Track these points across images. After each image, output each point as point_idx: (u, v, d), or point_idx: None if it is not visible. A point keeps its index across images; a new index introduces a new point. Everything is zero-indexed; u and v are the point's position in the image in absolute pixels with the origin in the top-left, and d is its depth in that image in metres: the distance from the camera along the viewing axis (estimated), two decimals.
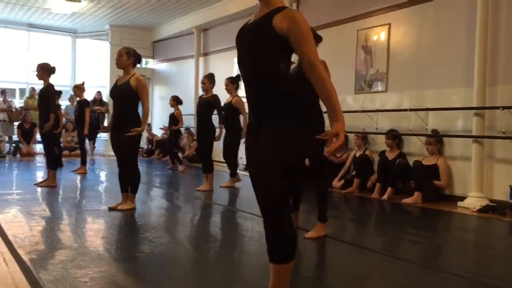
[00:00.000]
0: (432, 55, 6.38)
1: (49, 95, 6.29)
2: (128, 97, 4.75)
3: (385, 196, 6.08)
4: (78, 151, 9.36)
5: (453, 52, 6.13)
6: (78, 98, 8.50)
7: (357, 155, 6.96)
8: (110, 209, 4.80)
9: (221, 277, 2.91)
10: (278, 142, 2.06)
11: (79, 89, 8.45)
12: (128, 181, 4.88)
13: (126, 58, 4.82)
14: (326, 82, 2.08)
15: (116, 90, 4.85)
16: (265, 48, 2.08)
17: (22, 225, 4.05)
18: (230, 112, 6.51)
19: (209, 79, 6.52)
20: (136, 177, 4.90)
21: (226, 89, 6.59)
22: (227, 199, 5.97)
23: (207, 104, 6.43)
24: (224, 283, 2.78)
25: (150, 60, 13.89)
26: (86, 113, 8.26)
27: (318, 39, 3.94)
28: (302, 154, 2.30)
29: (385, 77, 6.99)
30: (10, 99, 11.86)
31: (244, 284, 2.76)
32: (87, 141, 9.69)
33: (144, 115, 4.84)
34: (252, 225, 4.36)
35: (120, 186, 4.90)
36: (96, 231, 4.10)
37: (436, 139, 6.07)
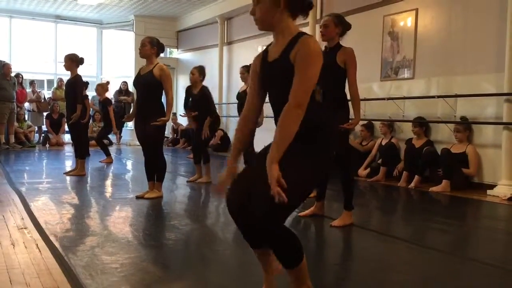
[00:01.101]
0: (461, 40, 6.23)
1: (76, 85, 6.39)
2: (152, 86, 4.75)
3: (412, 185, 6.00)
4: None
5: (483, 37, 5.98)
6: (100, 98, 8.58)
7: (383, 143, 6.88)
8: (138, 197, 4.87)
9: (245, 264, 2.92)
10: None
11: (102, 88, 8.56)
12: (154, 169, 4.92)
13: (150, 48, 4.80)
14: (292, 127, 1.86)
15: (140, 80, 4.86)
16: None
17: (53, 212, 4.15)
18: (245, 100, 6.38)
19: (199, 70, 6.24)
20: (162, 166, 4.94)
21: (242, 77, 6.48)
22: None
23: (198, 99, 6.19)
24: (248, 270, 2.79)
25: (174, 50, 13.95)
26: (110, 112, 8.39)
27: (347, 26, 3.90)
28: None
29: (412, 64, 6.87)
30: (38, 90, 12.10)
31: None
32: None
33: (168, 105, 4.84)
34: None
35: (146, 174, 4.96)
36: (124, 219, 4.17)
37: (465, 127, 5.94)
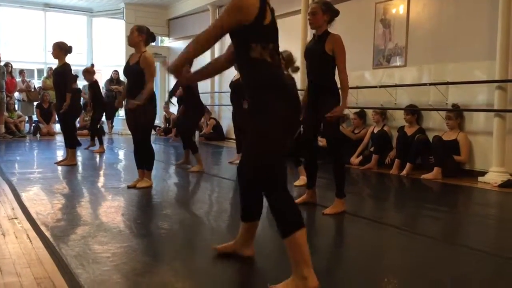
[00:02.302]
0: (453, 27, 6.22)
1: (65, 74, 6.31)
2: (139, 76, 4.71)
3: (404, 172, 6.02)
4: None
5: (475, 25, 5.97)
6: (89, 82, 8.52)
7: (375, 131, 6.89)
8: (129, 187, 4.84)
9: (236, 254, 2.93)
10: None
11: (88, 73, 8.46)
12: (143, 158, 4.91)
13: (137, 35, 4.75)
14: None
15: (129, 69, 4.84)
16: None
17: (44, 202, 4.12)
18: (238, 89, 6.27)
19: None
20: (150, 154, 4.90)
21: (235, 66, 6.20)
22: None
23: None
24: (244, 259, 2.80)
25: (166, 38, 13.84)
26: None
27: (335, 13, 3.86)
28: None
29: (404, 51, 6.86)
30: (28, 79, 11.97)
31: (264, 259, 2.77)
32: (104, 120, 9.80)
33: (145, 90, 4.69)
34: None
35: (136, 163, 4.94)
36: (116, 208, 4.15)
37: (456, 114, 5.96)
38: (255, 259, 2.66)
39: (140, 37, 4.77)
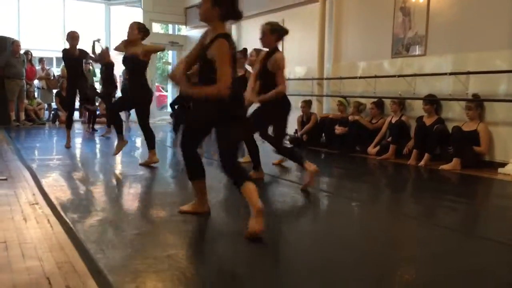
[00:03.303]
0: (474, 16, 6.10)
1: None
2: (142, 66, 5.34)
3: (422, 163, 5.96)
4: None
5: (496, 13, 5.85)
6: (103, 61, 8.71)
7: (393, 121, 6.82)
8: (141, 164, 5.42)
9: (261, 241, 2.95)
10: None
11: (103, 54, 8.66)
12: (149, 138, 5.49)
13: (137, 32, 5.28)
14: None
15: (130, 60, 5.33)
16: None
17: (64, 188, 4.18)
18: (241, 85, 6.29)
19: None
20: (151, 135, 5.50)
21: (250, 60, 5.96)
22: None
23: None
24: (266, 247, 2.82)
25: (183, 27, 13.83)
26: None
27: (282, 33, 4.44)
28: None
29: (424, 40, 6.75)
30: (48, 67, 12.10)
31: (285, 247, 2.78)
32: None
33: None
34: (283, 190, 4.38)
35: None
36: (134, 195, 4.20)
37: (476, 104, 5.87)
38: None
39: (139, 34, 5.31)
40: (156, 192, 4.25)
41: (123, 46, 5.46)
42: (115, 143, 5.80)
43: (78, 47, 6.97)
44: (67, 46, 6.98)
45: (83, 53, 7.09)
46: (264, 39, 4.44)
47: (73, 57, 6.90)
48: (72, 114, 7.34)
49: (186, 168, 3.23)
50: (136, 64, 5.32)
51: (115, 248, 2.60)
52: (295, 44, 9.56)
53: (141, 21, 6.22)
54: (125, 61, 5.45)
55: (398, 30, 7.15)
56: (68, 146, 6.91)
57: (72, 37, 6.91)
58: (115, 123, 5.70)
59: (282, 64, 4.37)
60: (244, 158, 5.52)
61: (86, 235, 2.78)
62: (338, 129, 7.49)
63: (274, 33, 4.40)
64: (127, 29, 5.40)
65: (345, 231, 3.19)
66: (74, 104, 7.57)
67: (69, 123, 7.10)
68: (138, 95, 5.39)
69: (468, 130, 5.81)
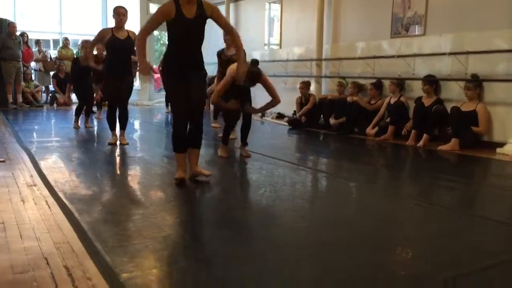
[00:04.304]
0: None
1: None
2: (132, 50, 5.47)
3: (420, 143, 5.96)
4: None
5: None
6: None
7: (392, 101, 6.80)
8: (110, 144, 5.57)
9: (257, 222, 2.95)
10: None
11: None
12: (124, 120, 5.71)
13: (127, 18, 5.56)
14: None
15: (121, 44, 5.46)
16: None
17: (62, 170, 4.18)
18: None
19: None
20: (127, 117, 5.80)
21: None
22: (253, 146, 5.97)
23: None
24: (262, 227, 2.82)
25: None
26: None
27: None
28: None
29: (423, 20, 6.69)
30: (44, 49, 12.00)
31: (281, 228, 2.79)
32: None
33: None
34: (284, 172, 4.38)
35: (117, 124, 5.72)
36: (132, 176, 4.20)
37: (475, 84, 5.84)
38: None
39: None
40: (155, 174, 4.25)
41: (109, 32, 5.52)
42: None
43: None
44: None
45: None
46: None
47: (84, 67, 7.22)
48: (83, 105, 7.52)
49: (182, 144, 3.69)
50: (129, 47, 5.48)
51: (113, 229, 2.61)
52: (293, 25, 9.49)
53: (138, 2, 6.29)
54: (114, 45, 5.47)
55: (397, 9, 7.08)
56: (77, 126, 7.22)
57: (85, 46, 7.37)
58: (113, 122, 5.83)
59: None
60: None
61: (83, 216, 2.78)
62: (333, 121, 7.48)
63: None
64: (114, 15, 5.53)
65: (342, 212, 3.20)
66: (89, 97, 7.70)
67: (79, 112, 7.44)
68: (131, 78, 5.76)
69: (467, 110, 5.79)
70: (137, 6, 12.66)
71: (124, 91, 5.62)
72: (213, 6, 3.60)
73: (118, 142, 5.65)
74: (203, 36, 3.60)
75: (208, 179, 3.80)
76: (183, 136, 3.68)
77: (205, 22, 3.55)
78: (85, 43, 7.50)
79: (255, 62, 4.71)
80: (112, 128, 5.72)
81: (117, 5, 5.67)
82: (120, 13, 5.46)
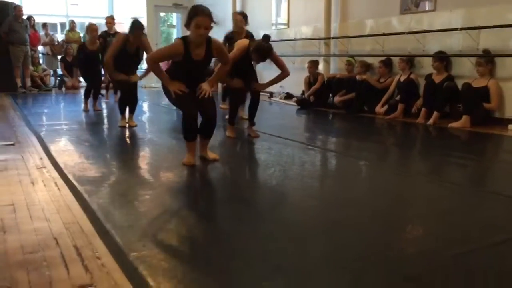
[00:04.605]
0: None
1: None
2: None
3: (431, 121, 5.89)
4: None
5: None
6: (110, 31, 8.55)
7: (402, 79, 6.71)
8: (121, 127, 5.59)
9: (266, 201, 2.94)
10: None
11: (109, 24, 8.61)
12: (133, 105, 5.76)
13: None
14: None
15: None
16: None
17: (71, 153, 4.19)
18: None
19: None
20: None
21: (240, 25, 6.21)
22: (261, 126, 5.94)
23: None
24: (271, 206, 2.81)
25: None
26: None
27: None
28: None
29: None
30: (51, 33, 11.98)
31: (290, 207, 2.78)
32: None
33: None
34: (293, 151, 4.35)
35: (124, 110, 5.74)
36: (141, 158, 4.20)
37: (487, 60, 5.73)
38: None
39: None
40: (163, 155, 4.24)
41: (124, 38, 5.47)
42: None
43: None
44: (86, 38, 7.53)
45: (102, 45, 7.39)
46: None
47: (92, 51, 7.27)
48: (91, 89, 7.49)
49: (194, 132, 3.63)
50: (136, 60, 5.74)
51: (122, 209, 2.61)
52: (301, 4, 9.36)
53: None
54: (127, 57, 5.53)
55: None
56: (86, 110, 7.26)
57: (92, 30, 7.33)
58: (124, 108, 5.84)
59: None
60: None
61: (93, 197, 2.79)
62: (338, 98, 7.42)
63: None
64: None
65: (352, 190, 3.18)
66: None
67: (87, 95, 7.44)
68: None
69: (478, 86, 5.70)
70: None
71: (134, 82, 5.67)
72: (220, 45, 3.66)
73: (127, 125, 5.66)
74: (208, 66, 3.74)
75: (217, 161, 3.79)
76: (195, 124, 3.61)
77: (211, 60, 3.71)
78: (91, 26, 7.43)
79: (266, 37, 4.58)
80: (122, 113, 5.72)
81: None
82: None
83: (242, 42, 4.68)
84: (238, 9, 10.94)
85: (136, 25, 5.33)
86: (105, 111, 7.46)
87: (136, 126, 5.62)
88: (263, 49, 4.47)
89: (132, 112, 5.75)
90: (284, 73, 4.73)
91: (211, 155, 3.80)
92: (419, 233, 2.38)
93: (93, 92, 7.38)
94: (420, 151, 4.89)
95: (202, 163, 3.76)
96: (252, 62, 4.79)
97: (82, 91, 10.72)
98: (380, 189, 3.19)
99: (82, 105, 7.37)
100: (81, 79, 11.42)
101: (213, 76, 3.77)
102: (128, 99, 5.70)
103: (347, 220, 2.48)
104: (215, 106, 3.68)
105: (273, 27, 10.35)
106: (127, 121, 5.69)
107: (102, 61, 7.48)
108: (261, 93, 5.18)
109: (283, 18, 10.11)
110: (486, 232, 2.34)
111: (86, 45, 7.36)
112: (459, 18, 6.23)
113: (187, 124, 3.58)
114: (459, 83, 5.94)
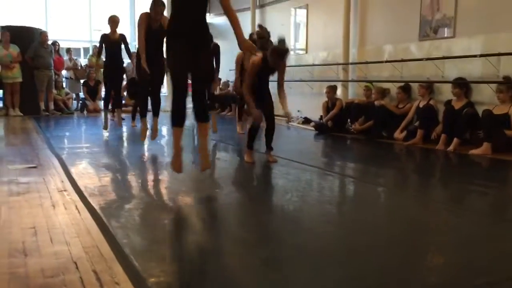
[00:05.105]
0: None
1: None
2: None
3: (451, 148, 5.83)
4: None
5: None
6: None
7: (421, 105, 6.68)
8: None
9: (284, 227, 2.93)
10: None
11: None
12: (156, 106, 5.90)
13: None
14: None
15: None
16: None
17: (92, 176, 4.24)
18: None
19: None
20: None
21: None
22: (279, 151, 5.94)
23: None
24: (288, 232, 2.80)
25: (207, 15, 13.78)
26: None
27: None
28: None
29: (452, 22, 6.57)
30: (75, 58, 12.28)
31: (307, 233, 2.77)
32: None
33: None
34: (311, 177, 4.34)
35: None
36: (160, 181, 4.23)
37: (508, 87, 5.68)
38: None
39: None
40: (182, 179, 4.26)
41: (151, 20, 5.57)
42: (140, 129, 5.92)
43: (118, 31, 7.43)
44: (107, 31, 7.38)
45: (123, 37, 7.40)
46: None
47: (113, 41, 7.28)
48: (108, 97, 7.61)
49: (182, 118, 3.63)
50: (161, 37, 5.48)
51: (141, 233, 2.63)
52: (319, 29, 9.46)
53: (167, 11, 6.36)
54: (152, 34, 5.57)
55: (425, 11, 6.97)
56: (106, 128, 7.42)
57: (113, 21, 7.34)
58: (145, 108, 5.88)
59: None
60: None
61: (112, 220, 2.81)
62: (356, 126, 7.42)
63: None
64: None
65: (370, 217, 3.15)
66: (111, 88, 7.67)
67: (107, 105, 7.60)
68: (163, 66, 5.67)
69: (499, 113, 5.63)
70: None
71: (157, 75, 5.66)
72: None
73: (148, 132, 5.67)
74: (206, 4, 3.59)
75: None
76: (183, 108, 3.58)
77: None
78: (112, 17, 7.47)
79: (282, 40, 4.61)
80: (143, 115, 5.71)
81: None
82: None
83: (255, 59, 4.73)
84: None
85: (156, 1, 5.55)
86: (125, 134, 7.54)
87: (156, 136, 5.65)
88: (281, 48, 4.53)
89: (156, 114, 5.71)
90: (281, 94, 4.80)
91: (207, 159, 3.81)
92: (440, 262, 2.34)
93: (114, 97, 7.51)
94: (440, 178, 4.83)
95: (219, 189, 3.76)
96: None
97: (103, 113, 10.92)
98: (399, 217, 3.16)
99: (102, 122, 7.44)
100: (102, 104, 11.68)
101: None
102: (151, 96, 5.68)
103: (364, 247, 2.45)
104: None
105: (292, 52, 10.45)
106: (148, 126, 5.62)
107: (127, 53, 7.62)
108: (279, 118, 5.20)
109: (301, 44, 10.22)
110: (509, 263, 2.29)
111: (108, 35, 7.37)
112: (479, 44, 6.22)
113: (177, 96, 3.57)
114: (480, 110, 5.88)
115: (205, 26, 3.64)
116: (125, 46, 7.41)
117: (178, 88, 3.56)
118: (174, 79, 3.56)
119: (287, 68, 5.09)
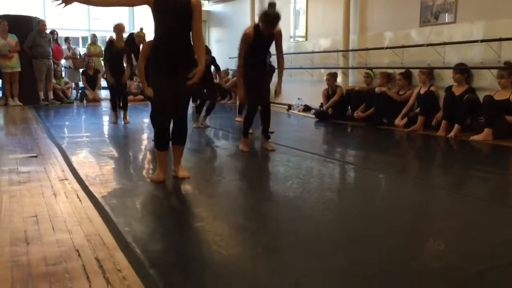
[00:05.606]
0: None
1: None
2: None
3: (451, 134, 5.82)
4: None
5: None
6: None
7: (422, 91, 6.66)
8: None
9: (284, 214, 2.93)
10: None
11: (140, 37, 8.57)
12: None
13: None
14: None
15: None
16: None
17: (93, 165, 4.24)
18: None
19: None
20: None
21: None
22: (279, 139, 5.94)
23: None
24: (289, 219, 2.81)
25: (206, 2, 13.71)
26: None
27: None
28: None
29: (453, 7, 6.52)
30: (73, 47, 12.21)
31: (308, 220, 2.77)
32: None
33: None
34: (312, 164, 4.34)
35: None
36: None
37: (509, 72, 5.66)
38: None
39: None
40: (185, 168, 4.26)
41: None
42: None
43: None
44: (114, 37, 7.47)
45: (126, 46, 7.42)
46: None
47: (118, 48, 7.31)
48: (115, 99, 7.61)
49: (165, 142, 3.57)
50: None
51: (143, 221, 2.64)
52: (319, 17, 9.39)
53: None
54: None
55: None
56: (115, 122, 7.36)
57: (119, 29, 7.40)
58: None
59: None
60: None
61: (114, 209, 2.82)
62: (357, 114, 7.39)
63: None
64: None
65: (371, 204, 3.15)
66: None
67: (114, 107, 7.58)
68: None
69: (500, 99, 5.62)
70: None
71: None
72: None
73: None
74: (190, 22, 3.36)
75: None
76: (167, 131, 3.51)
77: (190, 10, 3.33)
78: (118, 25, 7.49)
79: (272, 4, 4.43)
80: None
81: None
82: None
83: (247, 29, 4.68)
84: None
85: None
86: (129, 125, 7.53)
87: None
88: (271, 14, 4.42)
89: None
90: (281, 64, 4.77)
91: (184, 173, 3.66)
92: (441, 248, 2.34)
93: (122, 100, 7.51)
94: (441, 164, 4.83)
95: (221, 177, 3.76)
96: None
97: (103, 103, 10.92)
98: (400, 203, 3.16)
99: (112, 117, 7.48)
100: (101, 93, 11.66)
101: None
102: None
103: (366, 234, 2.46)
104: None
105: (291, 40, 10.39)
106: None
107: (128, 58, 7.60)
108: (279, 106, 5.18)
109: (301, 31, 10.15)
110: (510, 248, 2.30)
111: (114, 42, 7.41)
112: (480, 30, 6.18)
113: (160, 120, 3.51)
114: (481, 96, 5.87)
115: (189, 51, 3.44)
116: (127, 55, 7.45)
117: (163, 112, 3.46)
118: (158, 104, 3.49)
119: (286, 55, 5.05)
